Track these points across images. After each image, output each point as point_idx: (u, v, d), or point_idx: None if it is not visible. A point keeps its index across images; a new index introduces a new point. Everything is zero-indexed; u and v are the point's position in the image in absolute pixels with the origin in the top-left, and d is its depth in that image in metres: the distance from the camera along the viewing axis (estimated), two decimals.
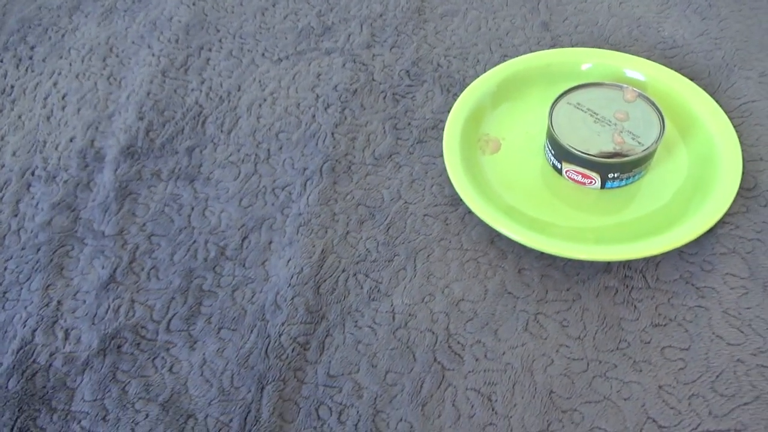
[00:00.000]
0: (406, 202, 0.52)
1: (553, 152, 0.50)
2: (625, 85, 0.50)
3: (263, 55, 0.67)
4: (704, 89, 0.53)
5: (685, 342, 0.41)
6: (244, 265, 0.50)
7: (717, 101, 0.52)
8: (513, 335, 0.43)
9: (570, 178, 0.50)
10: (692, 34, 0.60)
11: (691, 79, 0.54)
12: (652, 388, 0.39)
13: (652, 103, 0.48)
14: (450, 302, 0.45)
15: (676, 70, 0.55)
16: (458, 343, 0.43)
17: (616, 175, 0.48)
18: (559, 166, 0.50)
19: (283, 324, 0.46)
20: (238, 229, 0.52)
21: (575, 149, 0.47)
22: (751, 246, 0.45)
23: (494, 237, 0.48)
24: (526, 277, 0.46)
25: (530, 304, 0.44)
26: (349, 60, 0.64)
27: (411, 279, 0.47)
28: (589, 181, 0.49)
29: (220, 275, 0.50)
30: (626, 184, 0.49)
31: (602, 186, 0.49)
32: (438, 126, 0.57)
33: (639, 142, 0.47)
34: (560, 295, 0.45)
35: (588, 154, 0.47)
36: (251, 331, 0.46)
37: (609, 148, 0.47)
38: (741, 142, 0.49)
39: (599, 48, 0.60)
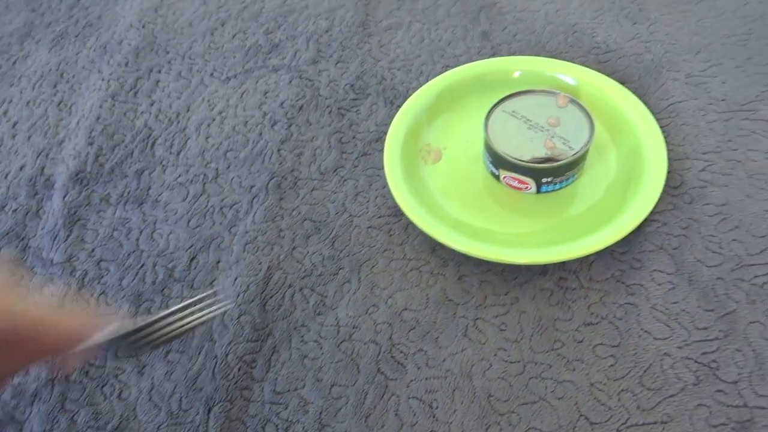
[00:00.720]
0: (350, 215, 0.53)
1: (490, 159, 0.51)
2: (558, 92, 0.51)
3: (212, 74, 0.68)
4: (634, 92, 0.54)
5: (615, 339, 0.42)
6: (192, 286, 0.51)
7: (646, 103, 0.53)
8: (453, 342, 0.44)
9: (507, 184, 0.51)
10: (624, 38, 0.62)
11: (622, 83, 0.56)
12: (584, 386, 0.41)
13: (583, 108, 0.50)
14: (393, 312, 0.47)
15: (608, 74, 0.56)
16: (401, 352, 0.44)
17: (549, 179, 0.49)
18: (496, 173, 0.51)
19: (230, 343, 0.46)
20: (186, 250, 0.53)
21: (509, 156, 0.49)
22: (677, 242, 0.46)
23: (436, 246, 0.50)
24: (466, 283, 0.47)
25: (470, 310, 0.46)
26: (295, 76, 0.65)
27: (355, 291, 0.48)
28: (525, 186, 0.50)
29: (169, 297, 0.50)
30: (561, 188, 0.51)
31: (538, 190, 0.50)
32: (382, 138, 0.58)
33: (570, 147, 0.48)
34: (499, 299, 0.46)
35: (521, 161, 0.48)
36: (199, 352, 0.47)
37: (541, 153, 0.49)
38: (668, 142, 0.51)
39: (536, 55, 0.61)
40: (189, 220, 0.55)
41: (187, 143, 0.62)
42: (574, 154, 0.48)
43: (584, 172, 0.52)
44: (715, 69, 0.58)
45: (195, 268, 0.52)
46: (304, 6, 0.73)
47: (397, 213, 0.52)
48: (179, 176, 0.59)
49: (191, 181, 0.58)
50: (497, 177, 0.52)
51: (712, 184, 0.49)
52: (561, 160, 0.48)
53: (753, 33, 0.61)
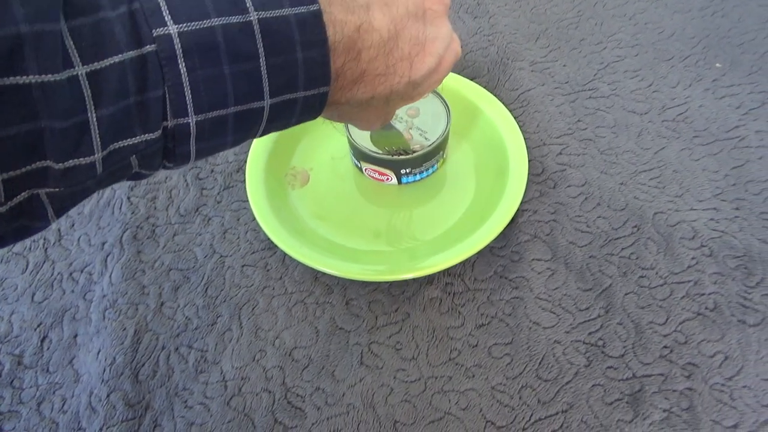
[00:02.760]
0: (221, 256, 0.49)
1: (352, 153, 0.50)
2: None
3: None
4: (485, 86, 0.55)
5: (507, 336, 0.42)
6: (47, 371, 0.44)
7: (498, 96, 0.55)
8: (350, 373, 0.42)
9: (370, 176, 0.50)
10: (467, 34, 0.63)
11: (473, 78, 0.57)
12: (485, 391, 0.40)
13: (441, 98, 0.50)
14: (282, 354, 0.43)
15: (458, 72, 0.57)
16: (297, 395, 0.41)
17: (408, 170, 0.49)
18: (359, 166, 0.50)
19: (101, 429, 0.41)
20: (35, 330, 0.46)
21: (367, 149, 0.48)
22: (549, 228, 0.48)
23: (317, 273, 0.47)
24: (354, 307, 0.45)
25: (362, 335, 0.44)
26: None
27: (238, 339, 0.44)
28: (386, 177, 0.50)
29: (21, 389, 0.43)
30: (422, 179, 0.50)
31: (399, 181, 0.50)
32: (243, 168, 0.54)
33: (426, 138, 0.48)
34: (390, 318, 0.44)
35: (377, 153, 0.47)
36: None
37: (393, 144, 0.48)
38: (524, 131, 0.52)
39: None
40: (33, 295, 0.48)
41: None
42: (430, 144, 0.47)
43: (450, 172, 0.51)
44: (555, 53, 0.60)
45: (48, 348, 0.45)
46: None
47: (272, 246, 0.49)
48: (14, 245, 0.51)
49: (29, 248, 0.51)
50: (361, 170, 0.50)
51: (570, 166, 0.51)
52: (417, 151, 0.47)
53: (582, 14, 0.64)
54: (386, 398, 0.41)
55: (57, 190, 0.21)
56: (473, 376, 0.41)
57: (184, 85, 0.22)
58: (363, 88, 0.29)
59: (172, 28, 0.22)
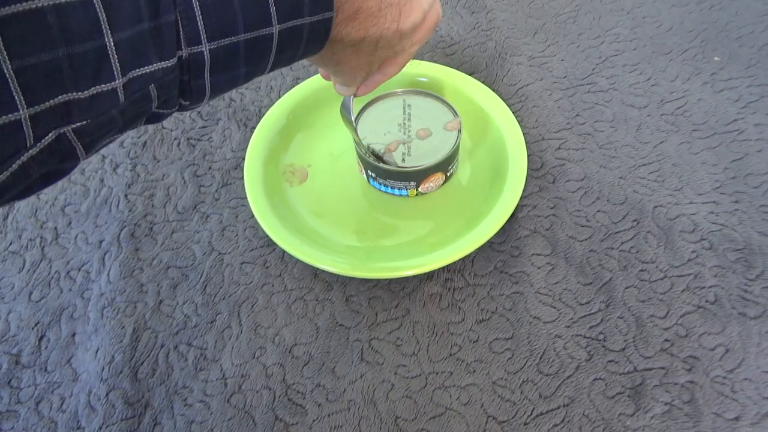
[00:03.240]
0: (220, 254, 0.49)
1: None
2: (458, 117, 0.49)
3: None
4: (483, 81, 0.55)
5: (508, 331, 0.42)
6: (45, 369, 0.44)
7: (496, 91, 0.54)
8: (351, 369, 0.42)
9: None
10: (465, 29, 0.63)
11: (471, 73, 0.57)
12: (486, 386, 0.40)
13: (458, 144, 0.48)
14: (283, 351, 0.43)
15: (456, 67, 0.57)
16: (298, 392, 0.41)
17: (373, 175, 0.49)
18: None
19: (100, 428, 0.40)
20: (33, 329, 0.46)
21: (356, 132, 0.48)
22: (548, 222, 0.47)
23: (317, 270, 0.47)
24: (354, 304, 0.45)
25: (362, 332, 0.43)
26: None
27: (238, 336, 0.44)
28: (360, 169, 0.51)
29: (18, 389, 0.43)
30: (388, 192, 0.50)
31: (367, 178, 0.50)
32: (241, 165, 0.54)
33: (402, 160, 0.47)
34: (390, 314, 0.44)
35: (357, 138, 0.47)
36: None
37: (379, 148, 0.48)
38: (523, 126, 0.52)
39: None
40: (30, 293, 0.48)
41: (14, 204, 0.53)
42: (397, 166, 0.47)
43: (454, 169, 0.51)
44: (553, 48, 0.60)
45: (46, 347, 0.45)
46: None
47: (270, 243, 0.49)
48: (10, 244, 0.51)
49: (26, 247, 0.50)
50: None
51: (569, 161, 0.51)
52: (381, 165, 0.47)
53: (580, 9, 0.64)
54: (387, 394, 0.40)
55: (83, 123, 0.22)
56: (474, 371, 0.41)
57: (195, 9, 0.23)
58: (357, 26, 0.31)
59: None
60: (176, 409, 0.41)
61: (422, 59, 0.58)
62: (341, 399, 0.41)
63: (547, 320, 0.43)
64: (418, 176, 0.47)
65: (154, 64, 0.23)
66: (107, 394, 0.42)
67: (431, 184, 0.48)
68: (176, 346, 0.44)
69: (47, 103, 0.20)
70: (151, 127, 0.58)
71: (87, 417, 0.41)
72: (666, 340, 0.41)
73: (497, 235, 0.47)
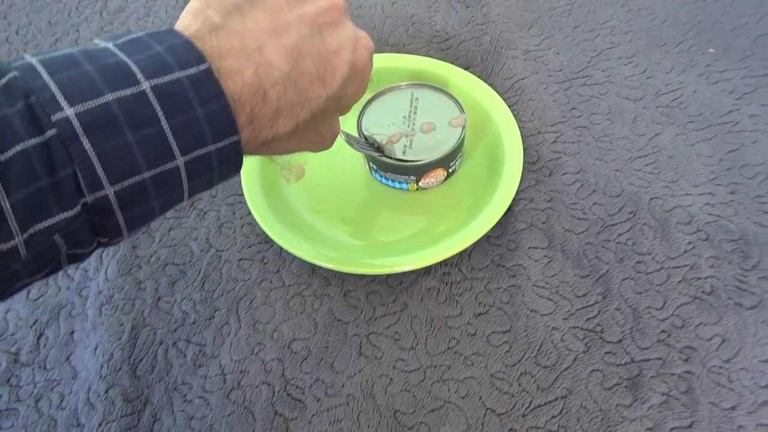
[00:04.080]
0: (217, 250, 0.49)
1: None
2: (464, 114, 0.49)
3: None
4: (479, 75, 0.55)
5: (505, 324, 0.43)
6: (44, 368, 0.44)
7: (492, 85, 0.54)
8: (349, 363, 0.42)
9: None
10: (460, 23, 0.63)
11: (466, 68, 0.56)
12: (485, 379, 0.40)
13: (462, 141, 0.47)
14: (281, 346, 0.43)
15: (451, 62, 0.57)
16: (297, 387, 0.41)
17: (374, 166, 0.49)
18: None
19: (100, 425, 0.40)
20: (31, 327, 0.46)
21: (362, 120, 0.49)
22: (545, 216, 0.48)
23: (315, 266, 0.47)
24: (352, 299, 0.45)
25: (361, 326, 0.44)
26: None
27: (236, 332, 0.44)
28: (364, 160, 0.51)
29: (18, 387, 0.43)
30: (388, 185, 0.50)
31: (369, 169, 0.50)
32: None
33: (403, 153, 0.47)
34: (388, 309, 0.44)
35: (361, 127, 0.48)
36: None
37: (382, 139, 0.48)
38: (518, 120, 0.52)
39: (379, 51, 0.60)
40: (28, 292, 0.48)
41: None
42: (395, 160, 0.47)
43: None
44: (548, 41, 0.60)
45: (45, 346, 0.45)
46: (126, 32, 0.66)
47: (268, 239, 0.49)
48: None
49: None
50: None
51: (565, 154, 0.51)
52: (383, 156, 0.47)
53: (575, 2, 0.64)
54: (386, 388, 0.41)
55: None
56: (472, 364, 0.41)
57: (92, 160, 0.23)
58: (283, 122, 0.30)
59: (69, 111, 0.23)
60: (176, 405, 0.41)
61: (418, 54, 0.58)
62: (340, 393, 0.41)
63: (545, 313, 0.43)
64: (417, 171, 0.47)
65: (56, 216, 0.23)
66: (106, 391, 0.42)
67: (432, 179, 0.48)
68: (175, 343, 0.44)
69: None
70: None
71: (86, 414, 0.41)
72: (663, 331, 0.41)
73: (494, 228, 0.47)
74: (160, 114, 0.24)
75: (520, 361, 0.41)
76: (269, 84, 0.28)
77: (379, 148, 0.47)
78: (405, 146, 0.47)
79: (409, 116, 0.49)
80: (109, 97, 0.24)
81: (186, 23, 0.28)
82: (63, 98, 0.23)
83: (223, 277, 0.47)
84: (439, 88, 0.51)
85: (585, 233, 0.46)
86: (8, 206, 0.21)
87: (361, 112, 0.49)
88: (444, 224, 0.47)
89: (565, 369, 0.40)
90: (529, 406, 0.39)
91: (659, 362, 0.40)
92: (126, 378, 0.42)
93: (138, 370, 0.43)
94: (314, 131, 0.33)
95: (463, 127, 0.48)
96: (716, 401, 0.38)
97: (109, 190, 0.24)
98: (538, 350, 0.41)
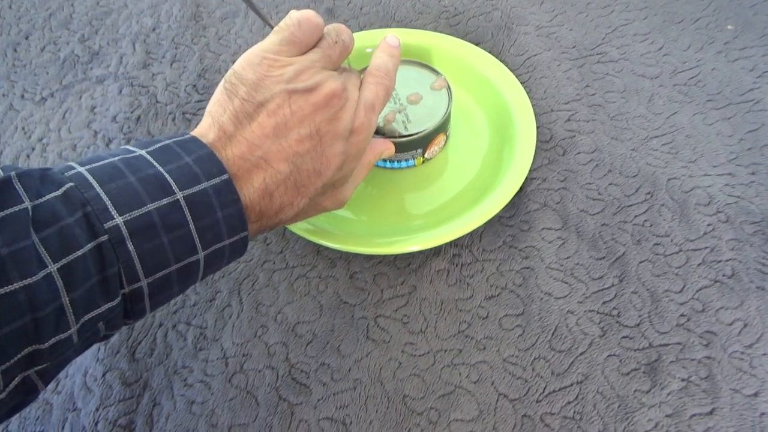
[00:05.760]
0: None
1: None
2: (441, 74, 0.48)
3: (23, 96, 0.58)
4: (490, 51, 0.53)
5: (518, 307, 0.41)
6: None
7: (503, 61, 0.52)
8: (356, 347, 0.40)
9: None
10: None
11: (477, 44, 0.54)
12: (497, 364, 0.39)
13: (450, 99, 0.47)
14: (285, 329, 0.42)
15: (461, 37, 0.55)
16: (302, 371, 0.40)
17: None
18: None
19: (98, 409, 0.39)
20: None
21: None
22: (559, 196, 0.46)
23: (319, 247, 0.45)
24: (359, 281, 0.43)
25: (368, 309, 0.42)
26: (125, 84, 0.57)
27: (239, 315, 0.43)
28: None
29: None
30: (394, 167, 0.48)
31: None
32: None
33: (405, 128, 0.45)
34: (396, 291, 0.43)
35: None
36: (62, 427, 0.39)
37: (378, 122, 0.46)
38: (531, 97, 0.50)
39: (386, 27, 0.58)
40: None
41: None
42: (400, 137, 0.45)
43: (459, 142, 0.50)
44: (561, 17, 0.58)
45: None
46: (122, 5, 0.64)
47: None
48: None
49: None
50: None
51: (579, 133, 0.49)
52: (388, 137, 0.45)
53: None
54: (394, 373, 0.39)
55: (44, 366, 0.26)
56: (484, 348, 0.40)
57: (134, 259, 0.27)
58: (285, 212, 0.34)
59: (119, 220, 0.27)
60: (176, 389, 0.40)
61: (425, 29, 0.56)
62: (347, 378, 0.39)
63: (559, 296, 0.41)
64: (423, 141, 0.45)
65: (103, 307, 0.27)
66: (104, 375, 0.40)
67: (435, 147, 0.47)
68: (175, 326, 0.42)
69: (16, 358, 0.24)
70: (144, 101, 0.55)
71: (83, 398, 0.40)
72: (682, 315, 0.40)
73: (506, 209, 0.45)
74: (189, 218, 0.29)
75: (533, 345, 0.39)
76: (274, 187, 0.33)
77: (378, 131, 0.45)
78: (403, 121, 0.46)
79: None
80: (151, 206, 0.28)
81: (204, 130, 0.33)
82: (113, 208, 0.27)
83: None
84: (406, 60, 0.49)
85: (600, 214, 0.45)
86: (68, 302, 0.25)
87: None
88: (454, 204, 0.45)
89: (581, 354, 0.39)
90: (544, 391, 0.37)
91: (678, 347, 0.38)
92: (124, 361, 0.41)
93: (137, 353, 0.41)
94: (317, 207, 0.38)
95: (447, 87, 0.47)
96: (738, 387, 0.37)
97: (143, 282, 0.28)
98: (553, 334, 0.40)
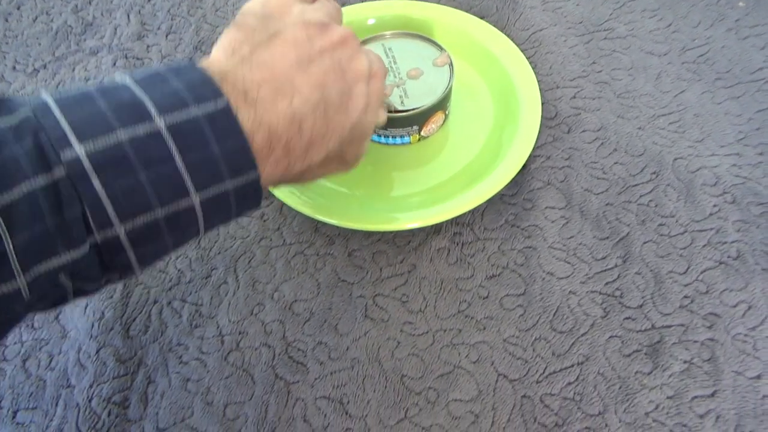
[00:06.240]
0: None
1: None
2: (445, 50, 0.47)
3: (14, 68, 0.56)
4: (495, 25, 0.52)
5: (520, 287, 0.40)
6: (32, 326, 0.42)
7: (508, 35, 0.51)
8: (354, 326, 0.40)
9: None
10: None
11: (482, 17, 0.53)
12: (497, 344, 0.38)
13: (452, 76, 0.45)
14: (282, 307, 0.41)
15: (466, 11, 0.53)
16: (298, 350, 0.39)
17: None
18: None
19: (91, 386, 0.38)
20: None
21: None
22: (563, 174, 0.45)
23: (317, 223, 0.44)
24: (357, 259, 0.43)
25: (366, 288, 0.41)
26: (120, 57, 0.56)
27: (235, 292, 0.42)
28: None
29: (4, 345, 0.41)
30: (389, 144, 0.47)
31: None
32: None
33: (401, 103, 0.44)
34: (395, 269, 0.42)
35: None
36: (56, 404, 0.38)
37: None
38: (536, 73, 0.49)
39: None
40: None
41: None
42: (396, 112, 0.44)
43: (459, 118, 0.48)
44: None
45: None
46: None
47: (268, 194, 0.46)
48: None
49: None
50: None
51: (585, 110, 0.48)
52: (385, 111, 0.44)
53: None
54: (392, 352, 0.39)
55: None
56: (484, 328, 0.39)
57: (102, 200, 0.23)
58: (316, 152, 0.30)
59: (79, 149, 0.22)
60: (171, 366, 0.39)
61: (429, 1, 0.54)
62: (344, 357, 0.39)
63: (561, 276, 0.40)
64: (421, 118, 0.44)
65: (63, 256, 0.22)
66: (98, 352, 0.40)
67: (433, 125, 0.46)
68: (170, 303, 0.42)
69: None
70: None
71: (77, 375, 0.39)
72: (686, 297, 0.39)
73: (508, 186, 0.44)
74: (174, 151, 0.24)
75: (534, 325, 0.39)
76: (302, 114, 0.28)
77: None
78: (401, 96, 0.44)
79: (391, 67, 0.46)
80: (121, 134, 0.23)
81: (214, 57, 0.29)
82: (73, 134, 0.22)
83: (220, 235, 0.45)
84: (410, 33, 0.48)
85: (605, 193, 0.44)
86: (11, 247, 0.21)
87: None
88: (455, 181, 0.44)
89: (582, 335, 0.38)
90: (544, 372, 0.37)
91: (681, 329, 0.38)
92: (118, 338, 0.40)
93: (131, 330, 0.41)
94: (341, 158, 0.34)
95: (450, 64, 0.45)
96: (740, 370, 0.36)
97: (120, 230, 0.23)
98: (554, 315, 0.39)
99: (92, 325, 0.41)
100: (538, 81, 0.48)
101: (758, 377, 0.36)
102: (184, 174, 0.24)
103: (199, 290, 0.42)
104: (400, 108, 0.44)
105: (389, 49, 0.47)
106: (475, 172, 0.44)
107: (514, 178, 0.43)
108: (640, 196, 0.43)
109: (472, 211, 0.43)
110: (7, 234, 0.21)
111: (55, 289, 0.24)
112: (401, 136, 0.46)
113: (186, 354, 0.40)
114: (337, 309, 0.41)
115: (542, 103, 0.48)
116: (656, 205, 0.43)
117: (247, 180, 0.26)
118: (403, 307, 0.40)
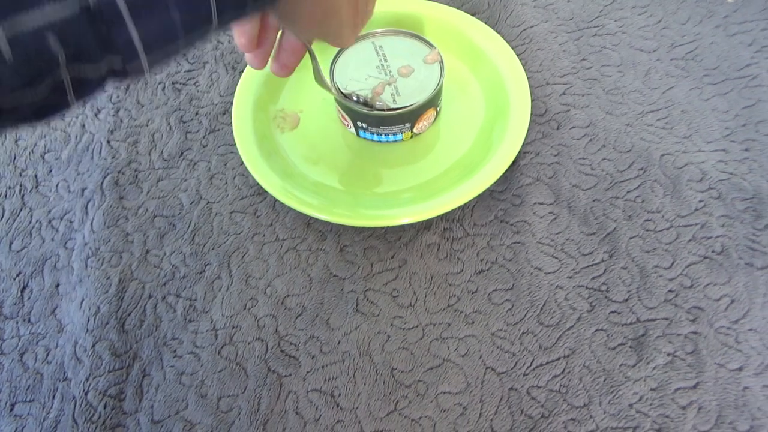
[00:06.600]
0: (208, 202, 0.47)
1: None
2: (435, 48, 0.47)
3: None
4: (485, 22, 0.52)
5: (508, 282, 0.41)
6: (29, 321, 0.42)
7: (499, 32, 0.51)
8: (345, 320, 0.40)
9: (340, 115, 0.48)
10: None
11: (473, 14, 0.53)
12: (485, 338, 0.39)
13: (442, 73, 0.45)
14: (274, 302, 0.42)
15: (457, 7, 0.53)
16: (291, 344, 0.40)
17: (364, 125, 0.46)
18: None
19: (88, 379, 0.39)
20: (14, 279, 0.44)
21: (335, 81, 0.45)
22: (552, 170, 0.46)
23: (310, 219, 0.45)
24: (348, 254, 0.43)
25: (357, 283, 0.42)
26: None
27: (228, 287, 0.43)
28: (347, 123, 0.47)
29: (2, 340, 0.42)
30: (380, 141, 0.47)
31: (357, 133, 0.48)
32: (229, 110, 0.51)
33: (393, 101, 0.45)
34: (386, 264, 0.43)
35: (338, 88, 0.45)
36: (52, 396, 0.39)
37: (366, 93, 0.45)
38: (526, 69, 0.50)
39: None
40: (11, 243, 0.46)
41: None
42: (388, 110, 0.44)
43: (453, 114, 0.49)
44: None
45: (29, 298, 0.43)
46: None
47: (261, 191, 0.47)
48: None
49: (5, 195, 0.48)
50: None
51: (574, 107, 0.49)
52: (373, 111, 0.44)
53: None
54: (383, 346, 0.39)
55: None
56: (473, 322, 0.40)
57: None
58: None
59: None
60: (165, 360, 0.40)
61: None
62: (336, 351, 0.39)
63: (549, 271, 0.41)
64: (413, 115, 0.45)
65: (45, 7, 0.18)
66: (93, 346, 0.40)
67: (425, 122, 0.46)
68: (164, 297, 0.42)
69: None
70: None
71: (73, 368, 0.40)
72: (670, 291, 0.40)
73: (498, 182, 0.45)
74: None
75: (522, 319, 0.39)
76: None
77: (366, 103, 0.45)
78: (392, 94, 0.45)
79: (382, 65, 0.46)
80: None
81: None
82: None
83: (214, 231, 0.45)
84: (399, 30, 0.48)
85: (593, 189, 0.44)
86: None
87: (331, 73, 0.46)
88: (445, 177, 0.45)
89: (569, 328, 0.39)
90: (531, 365, 0.38)
91: (665, 322, 0.39)
92: (114, 332, 0.41)
93: (126, 325, 0.41)
94: (353, 4, 0.30)
95: (441, 62, 0.46)
96: (723, 362, 0.37)
97: None
98: (542, 309, 0.40)
99: (88, 320, 0.41)
100: (528, 78, 0.49)
101: (740, 369, 0.37)
102: None
103: (193, 285, 0.43)
104: (392, 106, 0.44)
105: (380, 47, 0.47)
106: (466, 168, 0.45)
107: (503, 174, 0.44)
108: (627, 192, 0.44)
109: (462, 207, 0.44)
110: None
111: (43, 54, 0.19)
112: (393, 134, 0.46)
113: (180, 348, 0.40)
114: (328, 303, 0.41)
115: (532, 100, 0.48)
116: (643, 201, 0.44)
117: None
118: (394, 301, 0.41)
